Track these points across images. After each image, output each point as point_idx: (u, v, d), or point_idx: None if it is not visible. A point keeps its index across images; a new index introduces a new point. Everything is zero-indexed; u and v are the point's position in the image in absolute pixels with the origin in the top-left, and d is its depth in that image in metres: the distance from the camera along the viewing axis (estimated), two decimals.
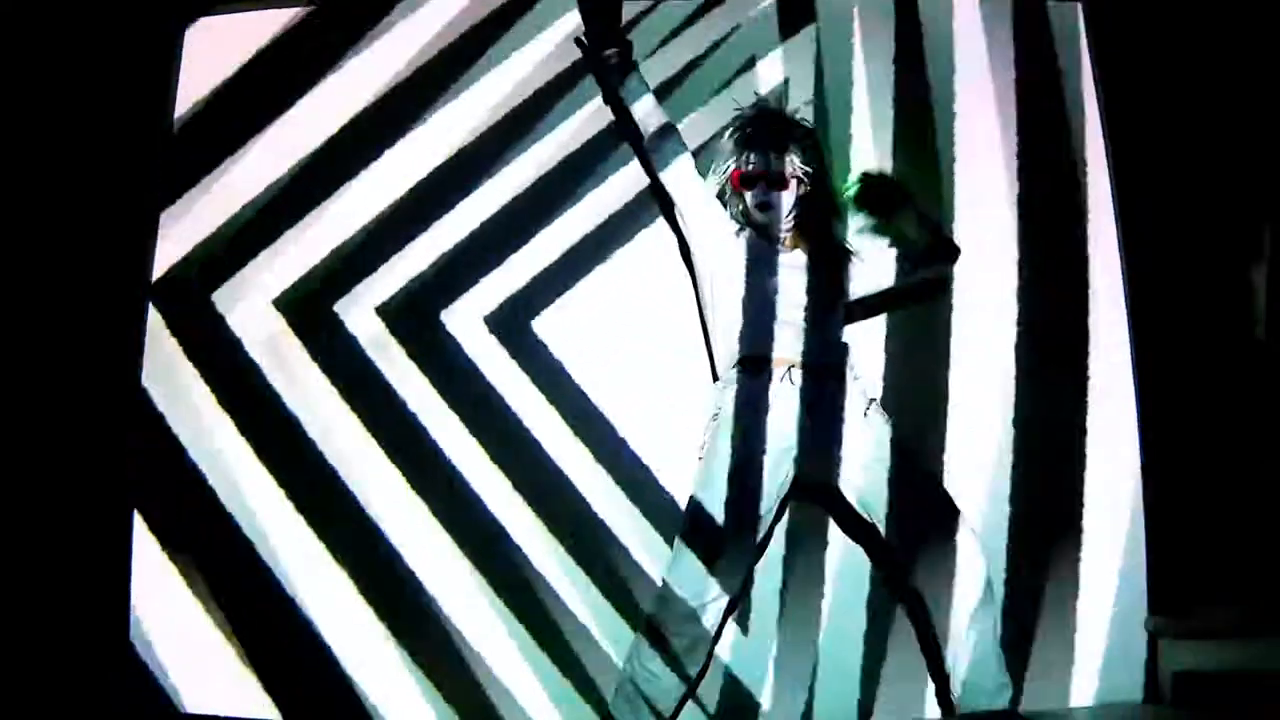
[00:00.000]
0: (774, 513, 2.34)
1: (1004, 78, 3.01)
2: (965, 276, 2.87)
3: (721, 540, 2.22)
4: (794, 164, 2.35)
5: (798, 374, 2.28)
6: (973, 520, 2.71)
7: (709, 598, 2.22)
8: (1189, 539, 2.75)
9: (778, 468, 2.27)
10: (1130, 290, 2.92)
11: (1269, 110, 2.81)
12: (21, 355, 2.80)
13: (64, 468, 2.77)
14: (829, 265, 2.40)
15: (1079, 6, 3.03)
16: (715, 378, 2.45)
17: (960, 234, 2.84)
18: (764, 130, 2.36)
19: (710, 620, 2.24)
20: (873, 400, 2.35)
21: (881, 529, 2.30)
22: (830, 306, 2.37)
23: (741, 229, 2.41)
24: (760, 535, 2.31)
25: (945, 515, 2.27)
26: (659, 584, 2.27)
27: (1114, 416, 2.86)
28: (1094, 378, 2.89)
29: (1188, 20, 2.95)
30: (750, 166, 2.34)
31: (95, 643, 2.75)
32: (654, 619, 2.25)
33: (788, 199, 2.37)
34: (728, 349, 2.36)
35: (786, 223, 2.39)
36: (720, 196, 2.41)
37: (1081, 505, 2.83)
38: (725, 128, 2.46)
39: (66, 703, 2.69)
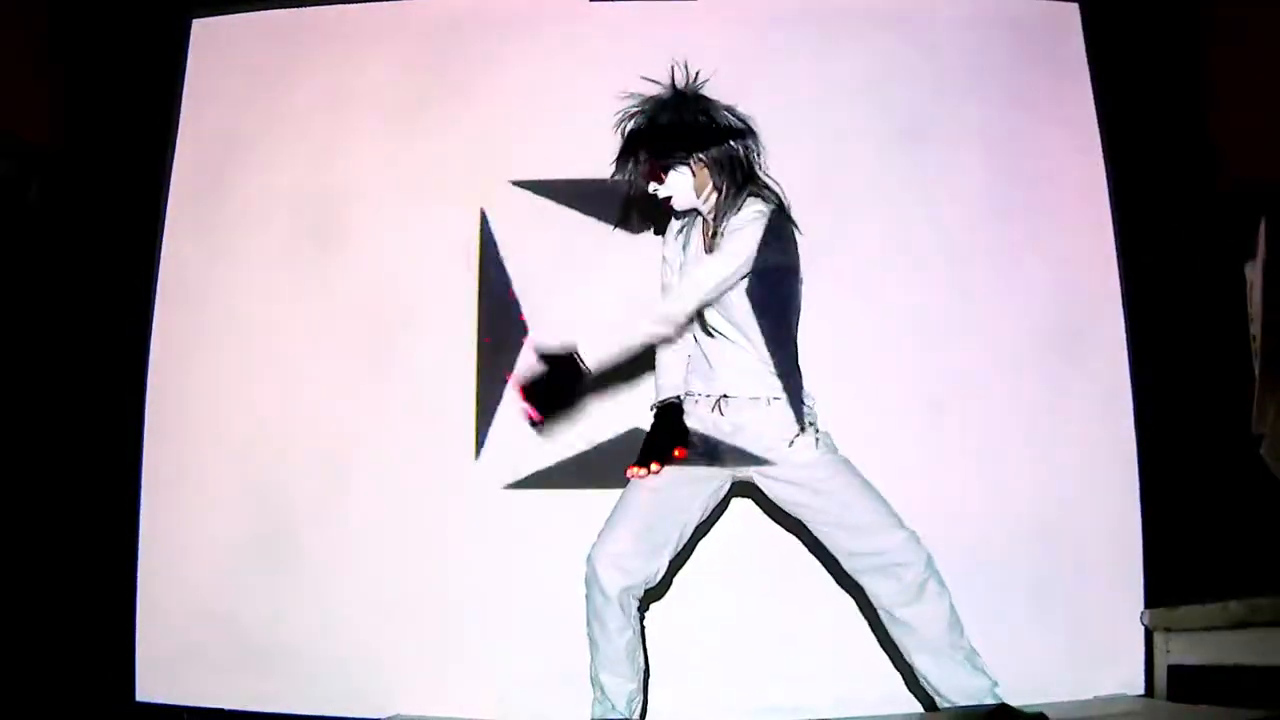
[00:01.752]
0: (698, 521, 2.33)
1: (1000, 80, 3.05)
2: (971, 275, 2.92)
3: (644, 532, 2.23)
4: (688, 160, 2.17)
5: (726, 404, 2.27)
6: (970, 516, 2.77)
7: (627, 581, 2.22)
8: (1184, 532, 2.76)
9: (710, 482, 2.30)
10: (1128, 287, 2.94)
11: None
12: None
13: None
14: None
15: (1076, 7, 3.07)
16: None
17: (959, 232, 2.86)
18: (645, 140, 2.16)
19: (628, 606, 2.23)
20: (803, 429, 2.23)
21: (814, 533, 2.30)
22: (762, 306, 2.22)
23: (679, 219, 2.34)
24: (684, 538, 2.30)
25: (877, 522, 2.23)
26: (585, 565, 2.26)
27: (1110, 411, 2.88)
28: (1090, 374, 2.91)
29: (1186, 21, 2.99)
30: (640, 171, 2.18)
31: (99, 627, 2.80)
32: (588, 602, 2.26)
33: (686, 182, 2.20)
34: (670, 374, 2.36)
35: (705, 205, 2.24)
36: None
37: (1078, 500, 2.84)
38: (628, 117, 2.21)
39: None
